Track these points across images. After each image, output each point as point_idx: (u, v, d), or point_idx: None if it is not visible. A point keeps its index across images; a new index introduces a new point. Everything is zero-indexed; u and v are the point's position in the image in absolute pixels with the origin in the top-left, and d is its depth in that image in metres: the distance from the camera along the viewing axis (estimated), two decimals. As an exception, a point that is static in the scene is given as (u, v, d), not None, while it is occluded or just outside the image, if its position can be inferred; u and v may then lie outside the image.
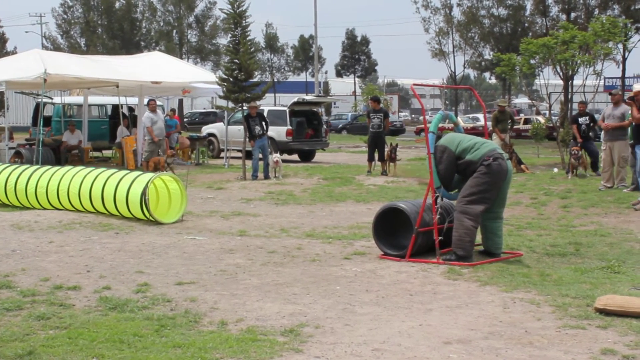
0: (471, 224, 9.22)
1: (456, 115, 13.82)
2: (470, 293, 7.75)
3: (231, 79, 20.27)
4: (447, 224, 9.64)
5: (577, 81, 33.29)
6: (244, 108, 20.42)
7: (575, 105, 23.99)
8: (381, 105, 22.71)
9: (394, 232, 9.91)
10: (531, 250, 10.05)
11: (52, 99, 28.45)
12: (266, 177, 19.77)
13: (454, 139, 9.58)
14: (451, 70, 70.82)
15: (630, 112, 15.23)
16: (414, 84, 10.26)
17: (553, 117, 28.43)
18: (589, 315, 6.76)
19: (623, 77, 42.12)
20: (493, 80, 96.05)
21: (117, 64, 24.70)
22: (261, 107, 23.07)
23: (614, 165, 16.46)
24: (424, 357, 5.64)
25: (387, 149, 20.76)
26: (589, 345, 5.93)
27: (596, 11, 50.41)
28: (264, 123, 20.40)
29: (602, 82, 37.43)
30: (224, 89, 20.56)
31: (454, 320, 6.71)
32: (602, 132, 17.18)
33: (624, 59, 49.19)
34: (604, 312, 6.77)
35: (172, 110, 28.92)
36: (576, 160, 19.01)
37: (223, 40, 74.22)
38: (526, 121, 44.31)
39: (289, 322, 6.59)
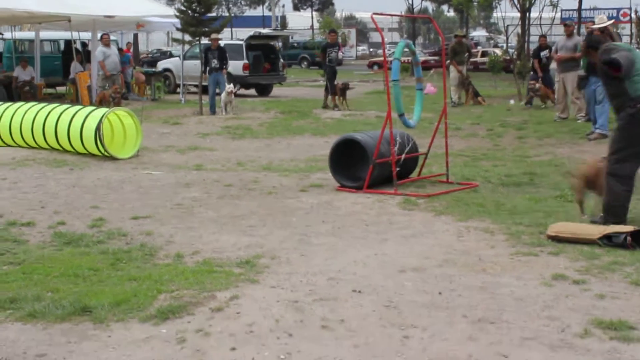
0: (622, 189, 7.40)
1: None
2: (426, 223, 7.81)
3: (190, 12, 19.94)
4: (404, 154, 9.68)
5: (534, 14, 33.36)
6: (202, 42, 20.17)
7: (533, 39, 24.03)
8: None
9: (351, 164, 9.91)
10: (486, 181, 10.13)
11: (2, 34, 27.78)
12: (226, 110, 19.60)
13: (638, 56, 7.48)
14: (409, 3, 70.43)
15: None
16: (374, 13, 10.15)
17: (510, 50, 28.48)
18: (541, 243, 6.86)
19: (579, 9, 42.19)
20: (451, 13, 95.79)
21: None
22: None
23: (568, 97, 16.60)
24: (379, 285, 5.69)
25: (339, 83, 20.74)
26: (541, 271, 6.02)
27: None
28: (224, 60, 20.16)
29: (558, 15, 37.45)
30: (182, 22, 20.24)
31: (409, 249, 6.77)
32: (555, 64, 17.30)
33: (581, -9, 49.21)
34: (556, 239, 6.87)
35: (128, 44, 28.46)
36: (533, 92, 19.23)
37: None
38: (484, 54, 44.38)
39: (245, 254, 6.60)
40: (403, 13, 60.19)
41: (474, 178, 10.30)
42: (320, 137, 15.24)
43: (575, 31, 17.54)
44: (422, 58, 45.01)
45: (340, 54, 21.18)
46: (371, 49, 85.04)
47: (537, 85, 19.46)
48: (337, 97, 20.63)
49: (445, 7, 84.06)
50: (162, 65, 29.77)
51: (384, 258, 6.49)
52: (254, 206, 8.67)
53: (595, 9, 51.64)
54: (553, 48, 17.88)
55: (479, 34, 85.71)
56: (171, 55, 48.23)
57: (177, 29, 20.93)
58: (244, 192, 9.50)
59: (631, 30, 33.96)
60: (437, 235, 7.27)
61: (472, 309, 5.18)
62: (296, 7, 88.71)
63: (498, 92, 26.58)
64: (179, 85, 26.33)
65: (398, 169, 9.49)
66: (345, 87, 20.90)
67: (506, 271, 6.07)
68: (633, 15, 33.61)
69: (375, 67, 50.81)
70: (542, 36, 21.58)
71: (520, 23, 29.33)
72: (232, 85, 19.85)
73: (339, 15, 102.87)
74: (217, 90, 20.02)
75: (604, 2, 57.80)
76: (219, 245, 6.95)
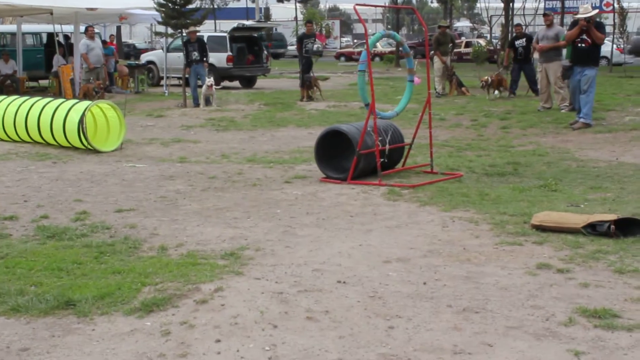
0: None
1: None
2: (410, 213, 7.82)
3: (170, 5, 19.86)
4: (388, 145, 9.67)
5: (517, 4, 33.42)
6: (184, 34, 20.10)
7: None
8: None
9: (336, 155, 9.91)
10: (471, 171, 10.15)
11: (-16, 27, 27.61)
12: (207, 103, 19.53)
13: None
14: (393, -6, 70.31)
15: (564, 33, 15.46)
16: (357, 4, 10.14)
17: (494, 40, 28.50)
18: (525, 232, 6.87)
19: (563, -1, 42.19)
20: (435, 4, 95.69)
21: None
22: (201, 33, 22.69)
23: (551, 86, 16.65)
24: (364, 276, 5.68)
25: (312, 75, 20.67)
26: (525, 261, 6.04)
27: None
28: (204, 52, 20.07)
29: (542, 5, 37.45)
30: (163, 14, 20.16)
31: (394, 240, 6.76)
32: (537, 54, 17.35)
33: (564, -19, 49.18)
34: (540, 228, 6.89)
35: (111, 36, 28.30)
36: (485, 85, 19.31)
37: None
38: (467, 44, 44.37)
39: (230, 246, 6.58)
40: (386, 4, 60.10)
41: (458, 168, 10.32)
42: (304, 129, 15.22)
43: (554, 21, 17.61)
44: (388, 49, 45.55)
45: (317, 45, 21.04)
46: (355, 40, 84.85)
47: (490, 79, 19.57)
48: (307, 89, 20.55)
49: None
50: (145, 57, 29.63)
51: (369, 249, 6.48)
52: (238, 198, 8.65)
53: (578, -2, 51.62)
54: (534, 38, 17.90)
55: (462, 24, 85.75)
56: (135, 48, 48.08)
57: (159, 22, 20.84)
58: (228, 184, 9.48)
59: (614, 20, 34.04)
60: (422, 226, 7.27)
61: (456, 298, 5.19)
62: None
63: (482, 82, 26.59)
64: (162, 78, 26.22)
65: (383, 159, 9.49)
66: (312, 80, 20.76)
67: (491, 261, 6.08)
68: (616, 5, 33.67)
69: (342, 59, 51.70)
70: (518, 25, 21.66)
71: (503, 13, 29.37)
72: (211, 78, 19.76)
73: (323, 6, 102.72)
74: (199, 83, 19.94)
75: (587, -8, 57.69)
76: (203, 237, 6.93)
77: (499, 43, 27.80)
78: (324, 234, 7.03)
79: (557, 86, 16.42)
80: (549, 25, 17.03)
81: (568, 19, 29.88)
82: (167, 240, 6.83)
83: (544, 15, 18.02)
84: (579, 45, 13.94)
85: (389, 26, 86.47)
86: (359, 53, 51.34)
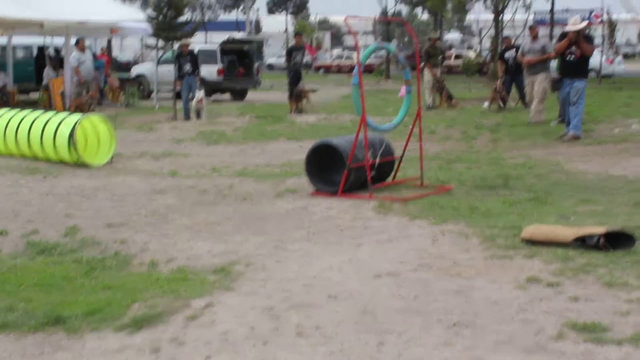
0: None
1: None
2: (401, 227, 7.82)
3: (161, 17, 19.90)
4: (378, 159, 9.68)
5: (507, 16, 33.60)
6: (174, 47, 20.14)
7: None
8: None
9: (327, 169, 9.90)
10: (461, 184, 10.16)
11: (-27, 40, 27.51)
12: (197, 117, 19.52)
13: None
14: (383, 6, 70.48)
15: (550, 45, 15.59)
16: (348, 16, 10.16)
17: (484, 52, 28.58)
18: (515, 245, 6.88)
19: (552, 11, 42.42)
20: (425, 17, 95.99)
21: (41, 2, 23.85)
22: (191, 46, 22.70)
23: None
24: (354, 291, 5.69)
25: (303, 88, 20.70)
26: (515, 274, 6.04)
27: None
28: (195, 65, 20.08)
29: (532, 17, 37.68)
30: (154, 27, 20.20)
31: (384, 254, 6.77)
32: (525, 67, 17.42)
33: (553, -7, 49.40)
34: (530, 241, 6.90)
35: (102, 49, 28.26)
36: (497, 94, 19.32)
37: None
38: (457, 56, 44.47)
39: (220, 261, 6.58)
40: (377, 16, 60.23)
41: (448, 181, 10.33)
42: (294, 142, 15.23)
43: (542, 33, 17.80)
44: (369, 61, 45.87)
45: (306, 58, 21.10)
46: (345, 51, 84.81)
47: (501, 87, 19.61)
48: (296, 102, 20.57)
49: (419, 10, 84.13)
50: (135, 71, 29.62)
51: (359, 263, 6.49)
52: (228, 212, 8.64)
53: (567, 10, 51.89)
54: (519, 51, 17.94)
55: (452, 36, 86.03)
56: (117, 62, 48.17)
57: (150, 35, 20.89)
58: (218, 198, 9.47)
59: (603, 32, 34.23)
60: (412, 240, 7.28)
61: (447, 313, 5.19)
62: (270, 11, 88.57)
63: (472, 94, 26.67)
64: (153, 91, 26.18)
65: (373, 173, 9.49)
66: (302, 93, 20.79)
67: (481, 275, 6.09)
68: (605, 17, 33.89)
69: (321, 71, 52.07)
70: (506, 37, 21.80)
71: (493, 23, 29.50)
72: (202, 92, 19.75)
73: (313, 18, 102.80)
74: (191, 95, 19.94)
75: (576, 3, 58.03)
76: (194, 252, 6.92)
77: (489, 55, 27.89)
78: (314, 248, 7.03)
79: (538, 98, 16.38)
80: (535, 37, 17.18)
81: (557, 31, 30.01)
82: (157, 255, 6.82)
83: (530, 28, 18.24)
84: (568, 57, 14.02)
85: (379, 38, 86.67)
86: (337, 65, 51.78)
